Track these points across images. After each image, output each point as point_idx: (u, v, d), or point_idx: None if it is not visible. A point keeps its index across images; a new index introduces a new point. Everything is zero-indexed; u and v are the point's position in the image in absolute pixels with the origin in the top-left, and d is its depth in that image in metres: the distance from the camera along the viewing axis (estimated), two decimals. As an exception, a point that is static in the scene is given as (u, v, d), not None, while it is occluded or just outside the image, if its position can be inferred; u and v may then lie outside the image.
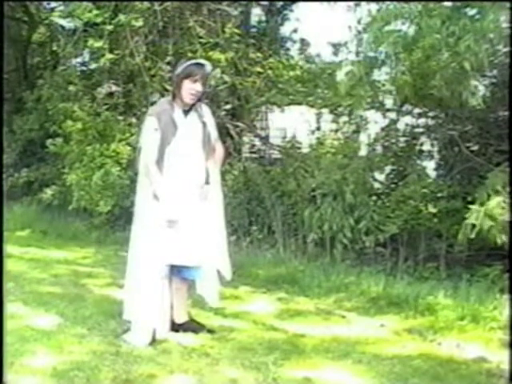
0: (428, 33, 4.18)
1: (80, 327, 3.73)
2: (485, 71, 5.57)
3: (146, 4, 7.28)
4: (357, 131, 6.83)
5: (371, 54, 4.78)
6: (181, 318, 3.73)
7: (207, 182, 3.60)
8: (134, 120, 7.86)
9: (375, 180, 6.66)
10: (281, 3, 9.67)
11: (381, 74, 5.72)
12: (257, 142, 8.51)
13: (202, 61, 3.89)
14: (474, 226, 4.15)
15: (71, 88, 8.55)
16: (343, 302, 4.70)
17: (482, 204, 4.18)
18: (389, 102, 6.63)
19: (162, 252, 3.43)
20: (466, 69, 4.01)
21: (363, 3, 6.40)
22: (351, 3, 7.27)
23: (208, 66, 3.67)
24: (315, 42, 8.88)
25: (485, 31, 3.92)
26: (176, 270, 3.58)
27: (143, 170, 3.57)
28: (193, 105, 3.58)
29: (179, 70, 3.57)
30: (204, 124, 3.62)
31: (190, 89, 3.48)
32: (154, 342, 3.45)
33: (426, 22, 4.21)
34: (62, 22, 9.45)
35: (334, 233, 5.83)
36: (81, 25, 8.03)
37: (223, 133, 6.60)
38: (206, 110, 3.68)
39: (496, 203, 4.04)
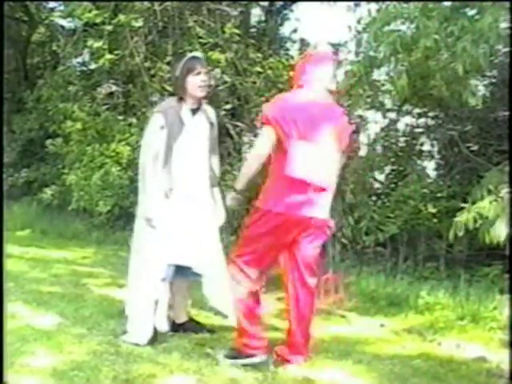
0: (427, 33, 4.18)
1: (80, 327, 3.73)
2: (484, 71, 5.57)
3: (146, 4, 7.29)
4: (357, 131, 6.83)
5: (371, 53, 4.78)
6: (181, 318, 3.73)
7: (213, 184, 3.62)
8: (133, 120, 7.85)
9: (375, 180, 6.67)
10: (281, 3, 9.68)
11: (381, 74, 5.73)
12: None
13: (196, 54, 3.91)
14: (465, 224, 4.15)
15: (71, 88, 8.56)
16: (343, 302, 4.70)
17: (474, 203, 4.19)
18: (389, 102, 6.64)
19: (167, 252, 3.42)
20: (459, 71, 4.01)
21: (363, 3, 6.40)
22: (351, 3, 7.28)
23: (203, 59, 3.70)
24: (315, 42, 8.87)
25: (484, 31, 3.91)
26: (178, 270, 3.57)
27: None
28: (200, 103, 3.58)
29: (178, 69, 3.56)
30: (212, 125, 3.63)
31: (197, 82, 3.49)
32: (154, 341, 3.45)
33: (425, 22, 4.21)
34: (62, 22, 9.48)
35: (334, 232, 5.83)
36: (81, 25, 8.04)
37: (223, 133, 6.59)
38: (211, 111, 3.69)
39: (488, 202, 4.03)
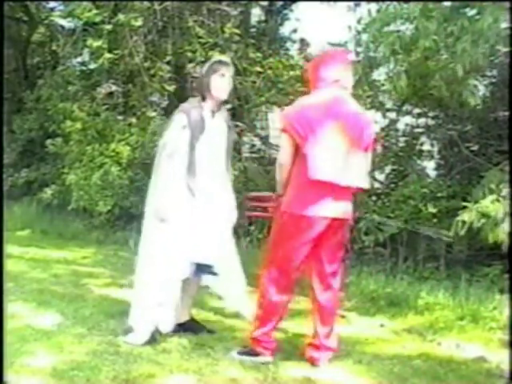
0: (426, 34, 4.18)
1: (80, 327, 3.72)
2: (484, 71, 5.58)
3: (146, 4, 7.29)
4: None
5: (370, 54, 4.78)
6: (181, 318, 3.72)
7: (227, 186, 3.64)
8: (133, 120, 7.86)
9: (375, 180, 6.67)
10: (281, 3, 9.68)
11: (380, 74, 5.74)
12: (257, 142, 8.51)
13: (224, 58, 3.90)
14: (464, 223, 4.16)
15: (71, 88, 8.56)
16: (343, 302, 4.70)
17: (476, 202, 4.19)
18: (389, 102, 6.64)
19: (188, 250, 3.41)
20: (459, 72, 4.01)
21: (363, 3, 6.41)
22: (351, 3, 7.28)
23: (231, 63, 3.71)
24: (315, 42, 8.89)
25: (484, 31, 3.92)
26: (193, 269, 3.55)
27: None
28: (219, 106, 3.60)
29: (204, 69, 3.59)
30: (229, 127, 3.67)
31: (220, 83, 3.52)
32: (154, 341, 3.45)
33: (424, 23, 4.21)
34: (62, 21, 9.48)
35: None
36: (80, 24, 8.05)
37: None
38: (227, 114, 3.73)
39: (490, 201, 4.03)
